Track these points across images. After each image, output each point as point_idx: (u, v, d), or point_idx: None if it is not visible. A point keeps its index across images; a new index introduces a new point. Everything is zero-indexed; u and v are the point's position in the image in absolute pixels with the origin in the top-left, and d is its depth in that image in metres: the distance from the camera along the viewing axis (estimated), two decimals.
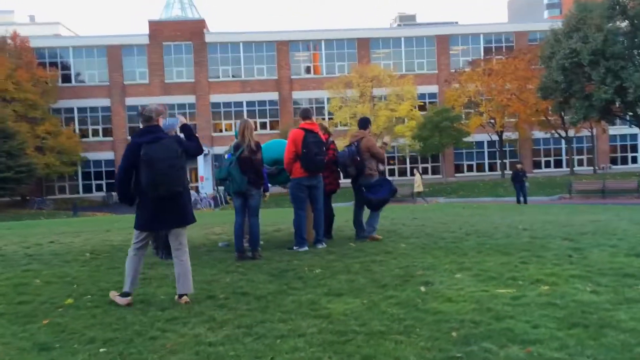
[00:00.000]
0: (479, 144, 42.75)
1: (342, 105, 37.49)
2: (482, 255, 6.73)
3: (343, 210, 13.33)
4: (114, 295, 5.13)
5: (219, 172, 6.96)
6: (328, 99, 39.62)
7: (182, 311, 4.74)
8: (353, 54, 43.05)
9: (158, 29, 42.02)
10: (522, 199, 22.76)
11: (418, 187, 29.87)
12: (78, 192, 40.55)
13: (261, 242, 8.30)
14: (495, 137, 40.84)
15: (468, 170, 43.67)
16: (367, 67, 37.91)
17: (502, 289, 5.13)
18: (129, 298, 5.01)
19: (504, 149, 41.38)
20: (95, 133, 41.88)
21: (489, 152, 43.61)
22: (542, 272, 5.73)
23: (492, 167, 43.46)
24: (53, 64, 41.16)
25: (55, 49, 42.23)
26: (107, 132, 41.75)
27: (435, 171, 43.10)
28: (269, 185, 8.18)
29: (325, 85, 38.74)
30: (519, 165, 23.72)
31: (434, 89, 43.44)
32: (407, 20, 69.41)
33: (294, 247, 7.62)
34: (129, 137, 41.79)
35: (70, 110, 41.47)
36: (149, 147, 4.88)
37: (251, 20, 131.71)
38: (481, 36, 44.58)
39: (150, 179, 4.85)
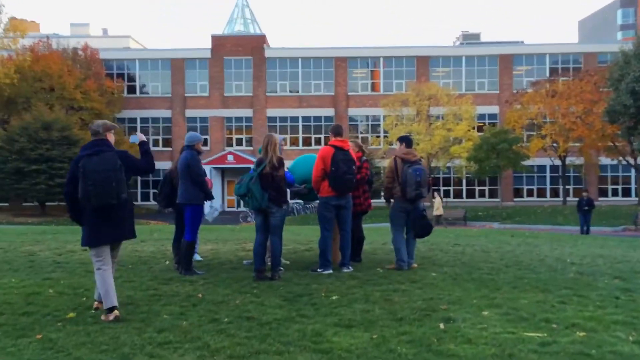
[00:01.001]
0: (541, 168, 41.02)
1: (397, 124, 36.94)
2: (517, 291, 6.18)
3: (382, 231, 12.90)
4: (105, 317, 4.98)
5: (238, 187, 6.74)
6: (384, 117, 39.20)
7: (178, 335, 4.50)
8: (412, 72, 42.50)
9: (220, 43, 43.01)
10: (585, 228, 21.47)
11: (437, 210, 28.42)
12: (136, 200, 41.70)
13: (287, 262, 8.07)
14: (558, 162, 39.08)
15: (528, 195, 41.94)
16: (424, 85, 37.22)
17: (532, 332, 4.62)
18: (115, 312, 4.95)
19: (567, 174, 39.49)
20: (156, 143, 43.10)
21: (551, 177, 41.75)
22: (581, 315, 5.16)
23: (554, 193, 41.58)
24: (120, 75, 42.86)
25: (122, 61, 43.96)
26: (167, 142, 42.91)
27: (492, 194, 41.67)
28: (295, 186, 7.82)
29: (381, 103, 38.34)
30: (584, 193, 22.41)
31: (494, 109, 42.17)
32: (471, 38, 68.10)
33: (318, 269, 7.30)
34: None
35: (134, 120, 42.92)
36: (87, 159, 4.99)
37: (312, 34, 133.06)
38: (547, 56, 42.97)
39: (83, 190, 4.95)
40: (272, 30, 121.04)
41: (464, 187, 42.02)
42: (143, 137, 5.58)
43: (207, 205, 8.12)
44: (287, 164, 8.30)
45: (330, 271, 7.23)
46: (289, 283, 6.52)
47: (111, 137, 5.28)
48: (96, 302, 5.30)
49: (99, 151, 5.05)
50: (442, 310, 5.32)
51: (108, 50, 43.35)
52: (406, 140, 7.98)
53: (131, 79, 43.85)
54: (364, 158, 8.20)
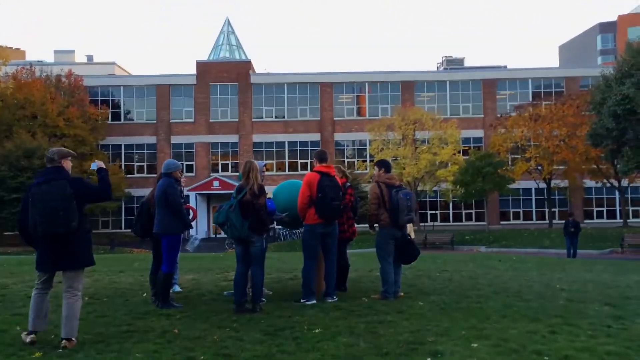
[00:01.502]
0: (526, 191, 41.20)
1: (383, 148, 37.02)
2: (506, 321, 5.97)
3: (368, 257, 12.64)
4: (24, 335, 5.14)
5: (217, 216, 6.49)
6: (370, 141, 39.27)
7: None
8: (397, 97, 42.76)
9: (205, 69, 43.04)
10: (572, 251, 21.39)
11: (409, 232, 28.17)
12: (120, 227, 41.09)
13: (269, 292, 7.80)
14: (543, 185, 39.28)
15: (514, 218, 42.02)
16: (410, 110, 37.46)
17: None
18: (32, 336, 5.07)
19: (552, 197, 39.68)
20: (140, 169, 42.73)
21: (536, 199, 41.92)
22: (572, 346, 4.97)
23: (540, 216, 41.69)
24: (104, 102, 42.60)
25: (107, 87, 43.75)
26: (151, 169, 42.45)
27: (479, 217, 41.68)
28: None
29: (367, 128, 38.45)
30: (570, 217, 22.34)
31: (479, 133, 42.48)
32: (454, 63, 68.93)
33: (302, 300, 7.04)
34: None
35: (118, 147, 42.54)
36: (37, 188, 5.02)
37: (297, 59, 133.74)
38: (530, 81, 43.57)
39: (31, 219, 4.99)
40: (257, 56, 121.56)
41: (451, 211, 41.97)
42: (102, 164, 5.55)
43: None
44: (271, 190, 8.14)
45: (314, 301, 6.98)
46: (271, 315, 6.26)
47: (67, 164, 5.27)
48: (64, 341, 5.01)
49: (49, 179, 5.04)
50: (430, 342, 5.11)
51: (92, 77, 43.19)
52: (385, 165, 7.78)
53: (116, 105, 43.60)
54: (348, 184, 8.02)
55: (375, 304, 6.89)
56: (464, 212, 41.96)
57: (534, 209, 42.22)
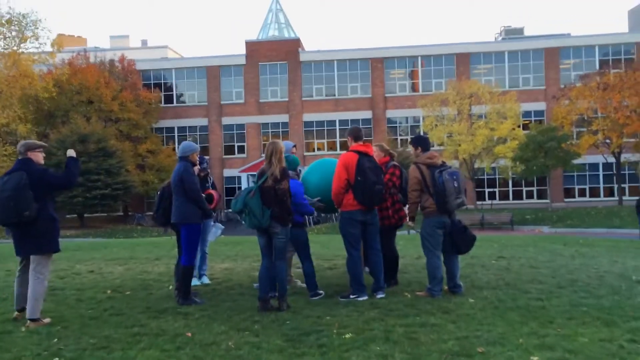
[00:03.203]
0: (593, 166, 38.74)
1: (437, 124, 35.55)
2: (574, 324, 5.05)
3: (418, 242, 11.73)
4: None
5: (234, 203, 5.78)
6: (423, 118, 37.86)
7: None
8: (452, 70, 40.98)
9: (255, 49, 42.59)
10: None
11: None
12: None
13: (303, 285, 7.12)
14: (611, 159, 36.76)
15: (580, 195, 39.69)
16: (465, 83, 35.70)
17: None
18: (15, 313, 5.61)
19: (622, 172, 37.12)
20: None
21: (604, 175, 39.40)
22: None
23: (608, 192, 39.19)
24: (157, 85, 43.00)
25: (159, 70, 44.07)
26: (204, 151, 42.39)
27: (541, 195, 39.63)
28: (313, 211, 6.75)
29: (420, 103, 37.02)
30: None
31: (540, 106, 40.17)
32: (513, 33, 65.28)
33: (351, 296, 6.26)
34: (224, 156, 42.77)
35: (171, 129, 42.94)
36: (1, 180, 5.31)
37: (347, 35, 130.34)
38: (596, 48, 40.70)
39: None
40: (306, 33, 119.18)
41: (510, 189, 40.14)
42: (72, 154, 5.68)
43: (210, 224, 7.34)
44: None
45: (366, 297, 6.22)
46: (298, 315, 5.56)
47: (36, 156, 5.45)
48: (29, 322, 5.40)
49: (12, 171, 5.32)
50: (479, 354, 4.28)
51: (145, 61, 43.58)
52: (422, 143, 6.61)
53: (168, 88, 43.92)
54: (392, 163, 7.17)
55: (418, 301, 6.06)
56: (524, 189, 40.03)
57: (601, 185, 39.73)
